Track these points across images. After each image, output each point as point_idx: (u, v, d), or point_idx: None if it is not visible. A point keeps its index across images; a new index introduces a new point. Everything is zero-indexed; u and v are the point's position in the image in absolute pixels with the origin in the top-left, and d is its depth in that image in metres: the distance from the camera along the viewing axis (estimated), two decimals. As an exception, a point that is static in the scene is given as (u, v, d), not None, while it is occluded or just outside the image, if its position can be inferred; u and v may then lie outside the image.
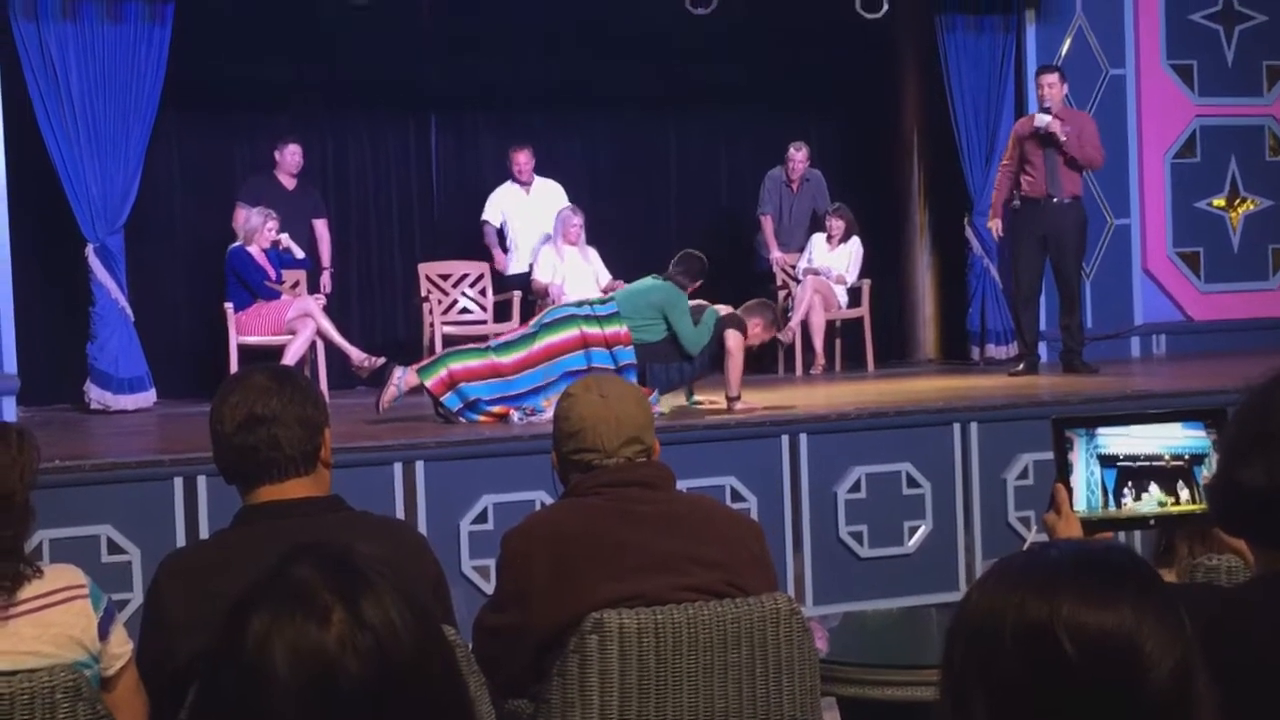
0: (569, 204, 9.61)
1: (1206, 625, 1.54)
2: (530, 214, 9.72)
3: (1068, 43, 10.15)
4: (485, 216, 9.86)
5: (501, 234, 9.86)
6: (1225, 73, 10.62)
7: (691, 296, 7.41)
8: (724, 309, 7.25)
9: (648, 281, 7.40)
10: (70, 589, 2.54)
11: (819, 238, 10.01)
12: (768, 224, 10.24)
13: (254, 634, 1.28)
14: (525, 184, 9.81)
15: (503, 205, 9.82)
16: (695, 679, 2.69)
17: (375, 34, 9.74)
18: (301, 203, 9.46)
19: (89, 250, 8.22)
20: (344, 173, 10.32)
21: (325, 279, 9.48)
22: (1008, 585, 1.35)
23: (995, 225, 8.77)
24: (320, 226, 9.55)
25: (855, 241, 9.96)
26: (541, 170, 9.90)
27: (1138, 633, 1.30)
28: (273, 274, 8.90)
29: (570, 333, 6.97)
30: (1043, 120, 8.42)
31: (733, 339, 7.04)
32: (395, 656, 1.28)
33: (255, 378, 2.58)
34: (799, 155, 10.18)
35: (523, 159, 9.77)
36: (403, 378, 6.89)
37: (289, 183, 9.46)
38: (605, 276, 9.47)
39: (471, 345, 7.39)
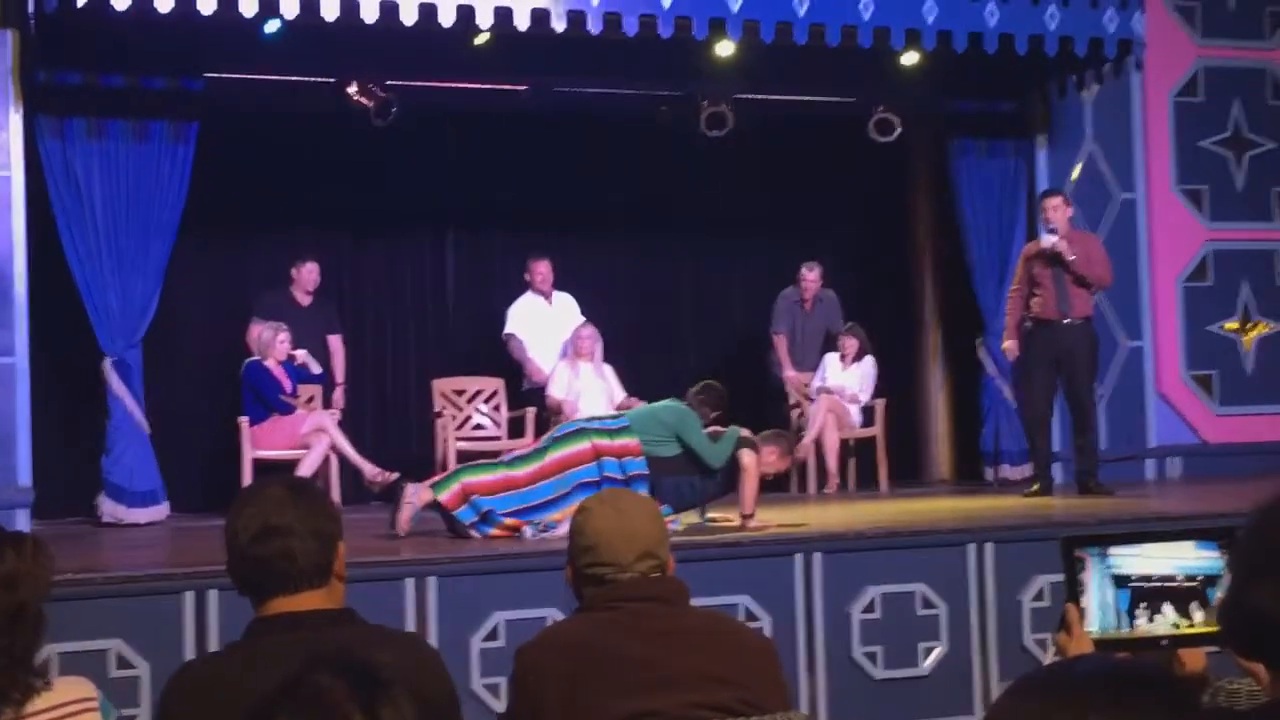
0: (583, 319, 9.66)
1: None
2: (551, 326, 9.76)
3: (1079, 168, 10.26)
4: (510, 330, 9.82)
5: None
6: (1235, 198, 10.72)
7: (711, 424, 7.43)
8: (745, 432, 7.27)
9: (664, 403, 7.43)
10: (80, 702, 2.53)
11: (832, 357, 10.05)
12: (781, 343, 10.28)
13: None
14: (545, 294, 9.86)
15: (527, 317, 9.85)
16: (709, 799, 2.66)
17: (394, 155, 9.90)
18: (315, 319, 9.53)
19: (106, 363, 8.28)
20: (360, 288, 10.43)
21: (338, 394, 9.52)
22: (1033, 696, 1.33)
23: (1011, 347, 8.79)
24: (334, 342, 9.61)
25: (869, 361, 10.00)
26: (559, 287, 9.95)
27: None
28: (288, 388, 8.94)
29: (582, 445, 6.99)
30: (1049, 240, 8.50)
31: (748, 457, 7.05)
32: None
33: (271, 489, 2.58)
34: (812, 275, 10.25)
35: (543, 269, 9.83)
36: (416, 494, 6.89)
37: (304, 299, 9.54)
38: (620, 394, 9.49)
39: (484, 460, 7.40)
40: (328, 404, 9.33)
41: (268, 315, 9.21)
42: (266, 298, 9.53)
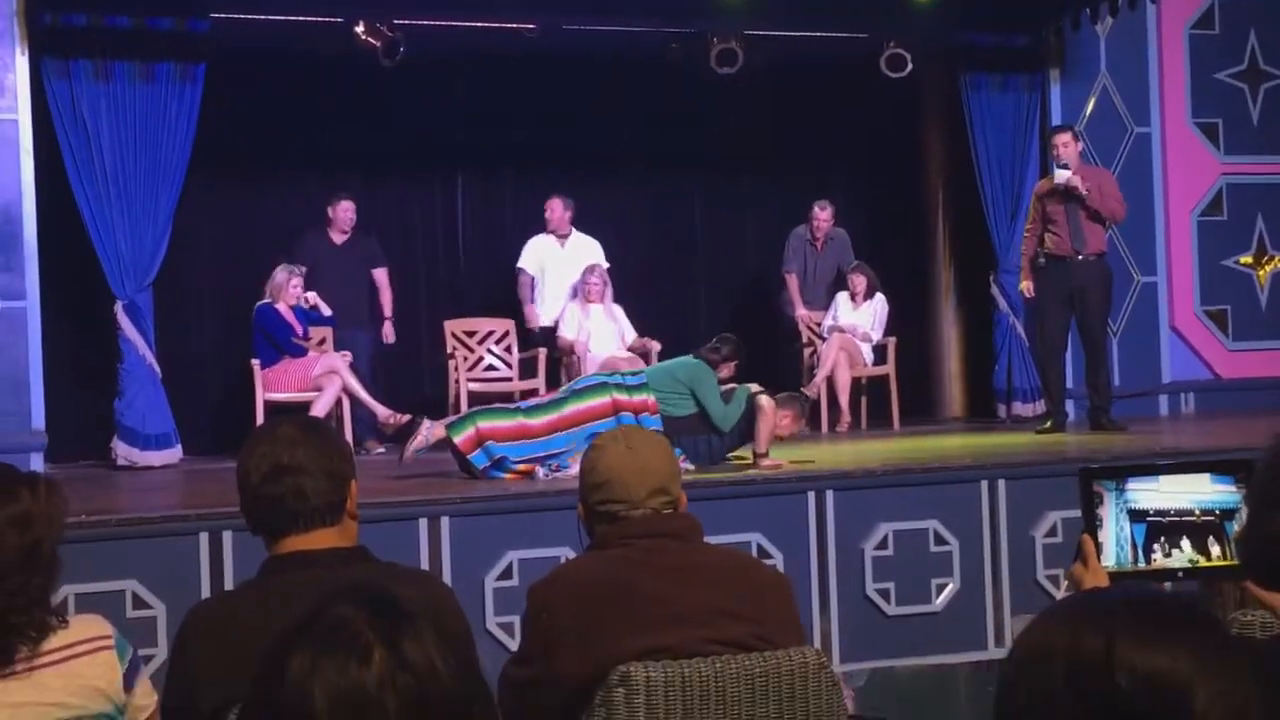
0: (597, 262, 9.63)
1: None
2: (564, 267, 9.72)
3: (1092, 102, 10.17)
4: (521, 264, 9.83)
5: (534, 282, 9.85)
6: (1251, 131, 10.63)
7: (726, 380, 7.42)
8: (756, 388, 7.25)
9: (681, 359, 7.44)
10: (96, 639, 2.54)
11: (843, 296, 10.02)
12: (793, 282, 10.25)
13: (294, 672, 1.28)
14: (562, 236, 9.82)
15: (539, 255, 9.83)
16: (722, 733, 2.67)
17: (403, 95, 9.84)
18: (352, 256, 9.53)
19: (118, 307, 8.28)
20: (370, 230, 10.39)
21: (387, 328, 9.54)
22: (1062, 620, 1.33)
23: (1027, 286, 8.74)
24: (380, 276, 9.60)
25: (879, 299, 9.97)
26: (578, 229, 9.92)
27: (1194, 679, 1.27)
28: (300, 331, 8.95)
29: (602, 399, 7.00)
30: (1062, 176, 8.43)
31: (765, 401, 7.05)
32: (435, 697, 1.28)
33: (282, 429, 2.58)
34: (824, 214, 10.20)
35: (556, 206, 9.77)
36: (430, 430, 6.91)
37: (339, 238, 9.53)
38: (631, 334, 9.48)
39: (500, 405, 7.39)
40: (343, 346, 9.27)
41: (303, 260, 9.21)
42: (302, 241, 9.51)
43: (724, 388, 7.27)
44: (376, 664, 1.27)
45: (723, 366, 7.42)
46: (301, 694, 1.27)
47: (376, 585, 1.38)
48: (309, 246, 9.42)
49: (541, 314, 9.76)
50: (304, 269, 9.10)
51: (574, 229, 9.83)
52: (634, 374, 7.32)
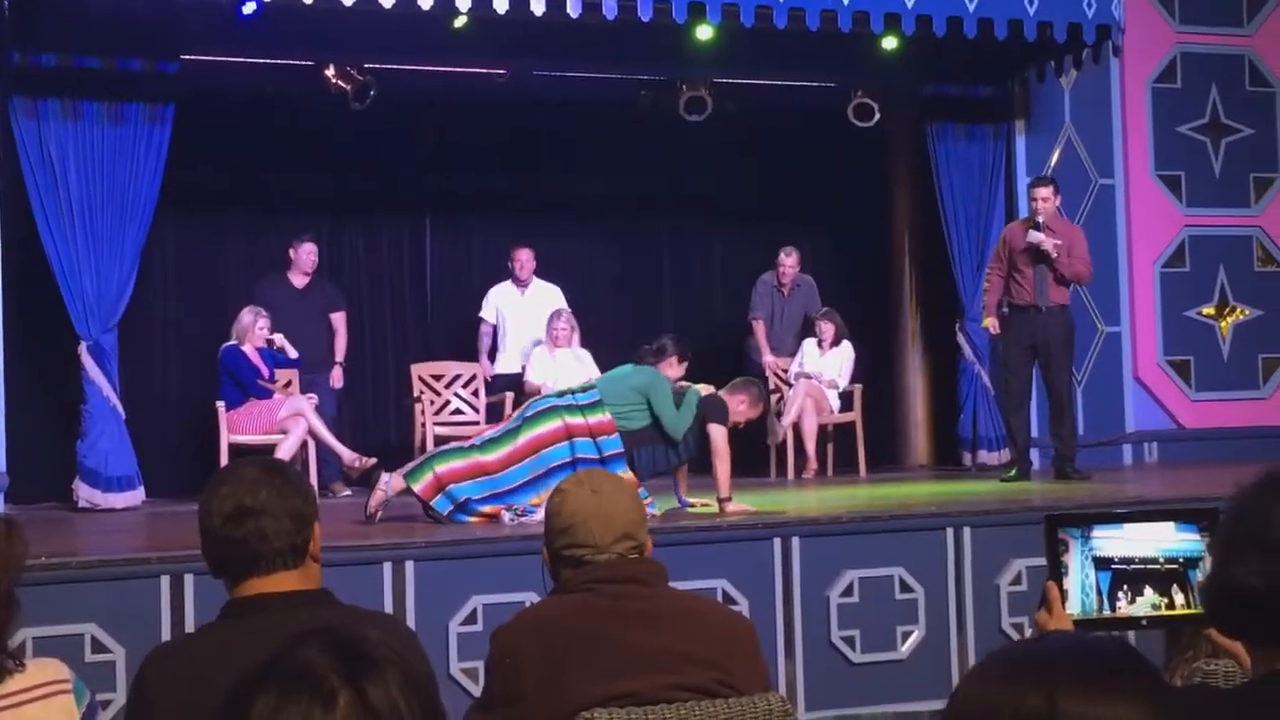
0: (563, 307, 9.65)
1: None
2: (525, 315, 9.76)
3: (1057, 153, 10.28)
4: (483, 314, 9.90)
5: (496, 332, 9.88)
6: (1213, 183, 10.75)
7: (678, 380, 7.41)
8: (705, 389, 7.23)
9: (627, 368, 7.39)
10: (53, 684, 2.50)
11: (810, 342, 10.06)
12: (759, 328, 10.28)
13: (257, 715, 1.26)
14: (523, 283, 9.85)
15: (498, 303, 9.86)
16: (686, 780, 2.65)
17: (372, 139, 9.85)
18: (313, 300, 9.49)
19: (82, 348, 8.23)
20: (338, 273, 10.38)
21: (337, 373, 9.48)
22: (1002, 675, 1.32)
23: (991, 324, 8.77)
24: (337, 320, 9.57)
25: (846, 346, 10.01)
26: (537, 273, 9.94)
27: None
28: (266, 373, 8.90)
29: (554, 424, 6.94)
30: (1035, 237, 8.46)
31: (717, 434, 7.00)
32: None
33: (245, 470, 2.56)
34: (789, 260, 10.25)
35: (524, 257, 9.82)
36: (389, 483, 6.84)
37: (300, 281, 9.49)
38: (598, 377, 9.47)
39: (455, 444, 7.32)
40: (309, 389, 9.22)
41: (265, 303, 9.17)
42: (262, 284, 9.47)
43: (676, 386, 7.23)
44: (341, 709, 1.26)
45: (671, 365, 7.41)
46: None
47: (343, 627, 1.36)
48: (270, 290, 9.37)
49: (501, 361, 9.78)
50: (264, 311, 9.05)
51: (535, 277, 9.86)
52: (585, 391, 7.24)
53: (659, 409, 7.02)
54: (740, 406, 7.20)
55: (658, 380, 7.15)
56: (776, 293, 10.34)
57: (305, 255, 9.47)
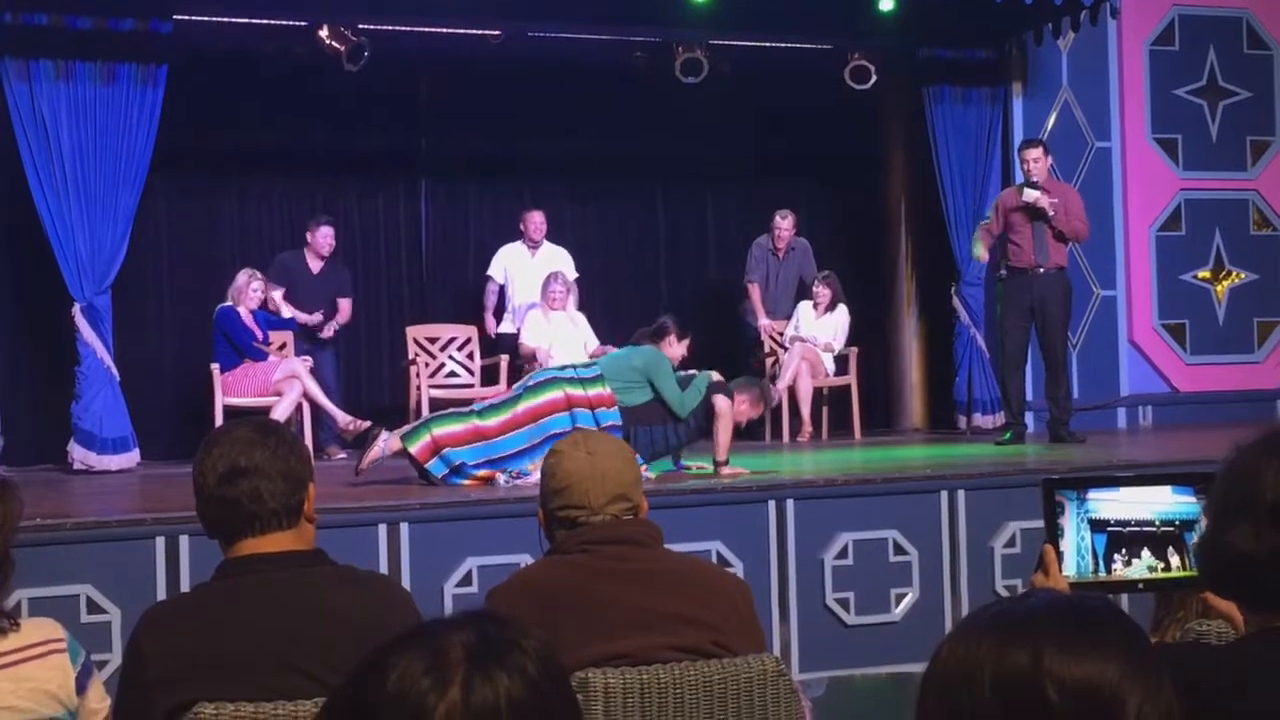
0: (564, 271, 9.64)
1: (1198, 682, 1.52)
2: (534, 276, 9.73)
3: (1054, 116, 10.24)
4: (490, 272, 9.90)
5: (503, 292, 9.87)
6: (1209, 147, 10.72)
7: (683, 363, 7.42)
8: (716, 376, 7.25)
9: (633, 347, 7.41)
10: (48, 643, 2.51)
11: (806, 305, 10.05)
12: (755, 291, 10.27)
13: (384, 664, 1.26)
14: (534, 245, 9.84)
15: (506, 263, 9.85)
16: (681, 740, 2.66)
17: (366, 101, 9.80)
18: (326, 283, 9.49)
19: (76, 310, 8.20)
20: (342, 259, 10.33)
21: (329, 327, 9.41)
22: (985, 633, 1.31)
23: (981, 252, 8.84)
24: (343, 305, 9.56)
25: (842, 310, 10.00)
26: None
27: (1123, 686, 1.26)
28: (260, 335, 8.89)
29: (554, 395, 6.96)
30: (1030, 195, 8.46)
31: (722, 403, 7.04)
32: None
33: (239, 430, 2.55)
34: (784, 223, 10.22)
35: (536, 220, 9.85)
36: (387, 442, 6.86)
37: (315, 264, 9.48)
38: (594, 342, 9.48)
39: (453, 410, 7.34)
40: (302, 352, 9.23)
41: (280, 280, 9.24)
42: (279, 261, 9.50)
43: (684, 373, 7.24)
44: (449, 699, 1.24)
45: (670, 344, 7.41)
46: (375, 684, 1.25)
47: (506, 620, 1.33)
48: (287, 269, 9.41)
49: (507, 321, 9.80)
50: (259, 273, 9.03)
51: (546, 240, 9.86)
52: (588, 365, 7.27)
53: (662, 389, 7.03)
54: (742, 405, 7.21)
55: (658, 360, 7.16)
56: (772, 256, 10.32)
57: (322, 239, 9.47)
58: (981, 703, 1.27)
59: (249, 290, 8.88)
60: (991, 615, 1.34)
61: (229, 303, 8.88)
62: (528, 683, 1.27)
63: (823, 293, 9.97)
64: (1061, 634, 1.28)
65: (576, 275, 9.77)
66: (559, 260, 9.80)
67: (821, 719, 3.53)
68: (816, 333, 9.93)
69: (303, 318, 9.30)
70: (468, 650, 1.26)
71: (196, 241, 9.95)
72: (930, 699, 1.31)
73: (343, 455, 8.87)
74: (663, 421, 7.08)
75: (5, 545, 2.52)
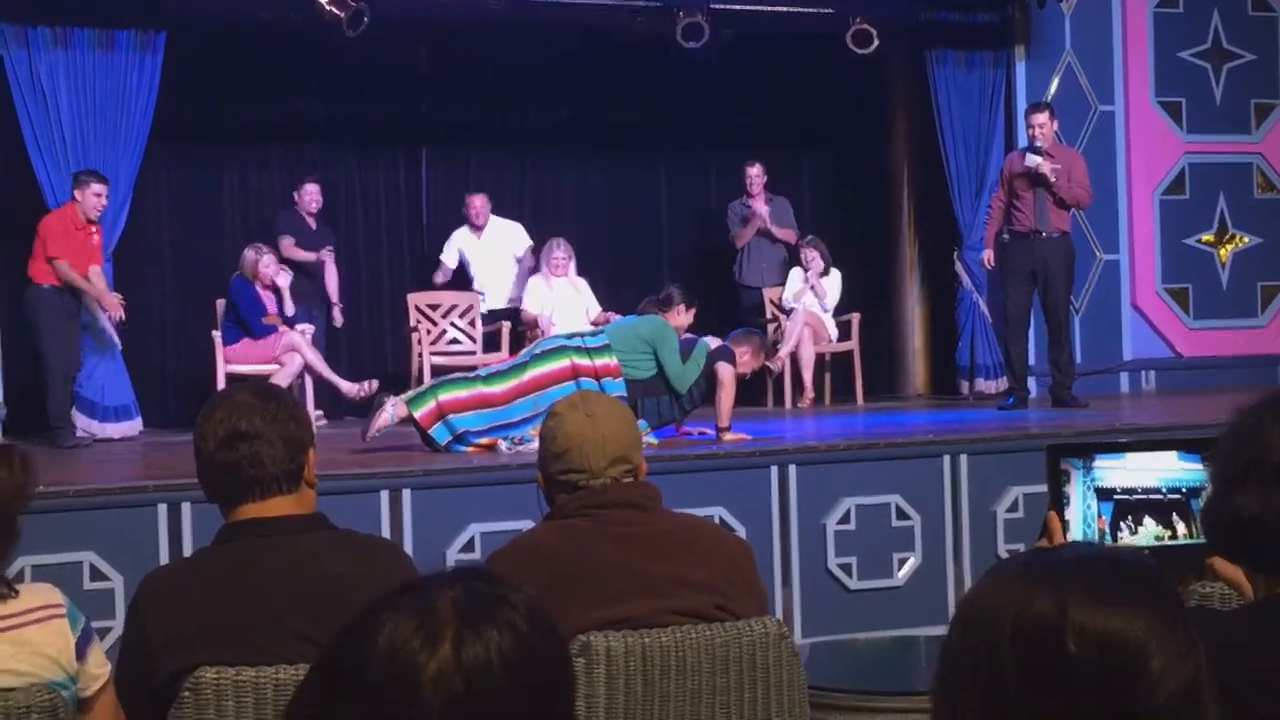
0: (530, 242, 9.72)
1: (1207, 648, 1.51)
2: (485, 256, 9.82)
3: (1057, 80, 10.19)
4: (443, 257, 9.95)
5: (464, 273, 9.87)
6: (1213, 110, 10.66)
7: (688, 328, 7.41)
8: (713, 341, 7.23)
9: (641, 316, 7.40)
10: (47, 608, 2.50)
11: (798, 272, 9.97)
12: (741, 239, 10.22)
13: (373, 623, 1.26)
14: (478, 228, 9.85)
15: (460, 247, 9.89)
16: (683, 703, 2.65)
17: (366, 67, 9.75)
18: (319, 241, 9.49)
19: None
20: (334, 203, 10.29)
21: (336, 313, 9.46)
22: (1017, 577, 1.29)
23: (988, 257, 8.77)
24: (329, 262, 9.55)
25: (836, 274, 9.95)
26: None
27: (1149, 643, 1.23)
28: (272, 310, 8.88)
29: (561, 363, 6.95)
30: (1033, 161, 8.42)
31: (724, 370, 7.03)
32: (480, 704, 1.24)
33: (239, 395, 2.55)
34: (754, 170, 10.14)
35: (478, 203, 9.89)
36: (395, 408, 6.85)
37: (311, 221, 9.49)
38: (595, 308, 9.47)
39: (460, 375, 7.34)
40: (325, 320, 9.31)
41: (285, 231, 9.27)
42: (283, 215, 9.52)
43: (683, 338, 7.23)
44: (442, 654, 1.23)
45: (678, 313, 7.40)
46: (365, 641, 1.24)
47: (498, 578, 1.32)
48: (287, 224, 9.41)
49: (484, 302, 9.78)
50: (265, 247, 9.01)
51: (492, 217, 9.85)
52: (595, 334, 7.25)
53: (665, 360, 7.02)
54: (744, 358, 7.20)
55: (665, 330, 7.15)
56: (750, 211, 10.24)
57: (308, 197, 9.48)
58: (1001, 647, 1.25)
59: (260, 267, 8.83)
60: (1025, 560, 1.32)
61: (243, 274, 8.84)
62: (518, 637, 1.26)
63: (811, 256, 9.88)
64: (1091, 582, 1.26)
65: (530, 244, 9.77)
66: (509, 236, 9.84)
67: (826, 678, 3.52)
68: (818, 299, 9.86)
69: (311, 255, 9.28)
70: (457, 607, 1.25)
71: (197, 209, 9.92)
72: (954, 639, 1.29)
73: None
74: (668, 392, 7.08)
75: (16, 513, 2.52)
